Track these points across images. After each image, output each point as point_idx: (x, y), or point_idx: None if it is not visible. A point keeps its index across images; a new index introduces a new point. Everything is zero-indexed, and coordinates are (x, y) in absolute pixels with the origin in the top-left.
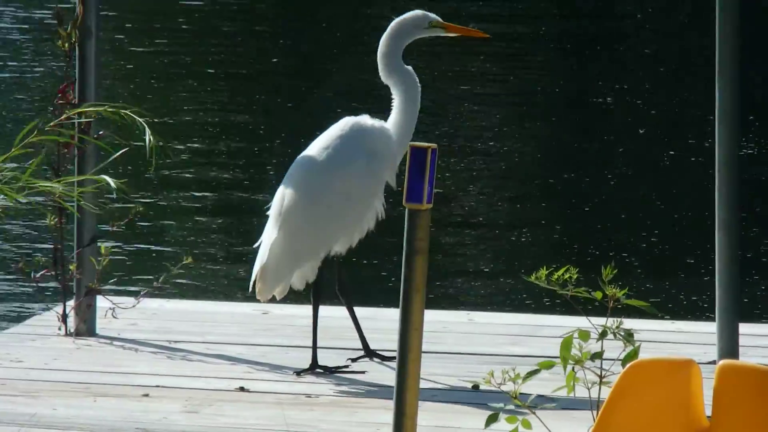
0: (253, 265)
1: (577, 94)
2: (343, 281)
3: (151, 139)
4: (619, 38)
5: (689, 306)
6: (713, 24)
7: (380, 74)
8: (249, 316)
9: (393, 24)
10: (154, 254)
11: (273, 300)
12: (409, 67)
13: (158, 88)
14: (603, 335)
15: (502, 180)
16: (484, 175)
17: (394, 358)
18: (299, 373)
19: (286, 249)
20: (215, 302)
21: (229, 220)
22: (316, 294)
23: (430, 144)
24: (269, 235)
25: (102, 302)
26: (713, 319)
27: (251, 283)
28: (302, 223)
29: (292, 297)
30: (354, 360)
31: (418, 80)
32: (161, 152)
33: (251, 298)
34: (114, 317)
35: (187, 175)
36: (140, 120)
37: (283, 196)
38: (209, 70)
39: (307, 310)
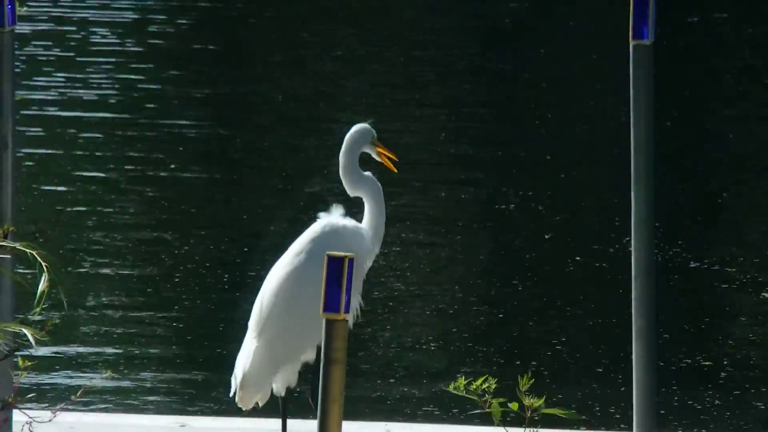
0: (233, 374)
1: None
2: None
3: (43, 283)
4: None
5: (608, 415)
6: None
7: (347, 189)
8: (166, 429)
9: (345, 139)
10: (72, 364)
11: (255, 407)
12: (369, 173)
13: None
14: None
15: (416, 284)
16: (403, 274)
17: None
18: None
19: (265, 356)
20: (133, 415)
21: (152, 327)
22: (285, 401)
23: (347, 254)
24: (249, 343)
25: (18, 416)
26: (630, 429)
27: (233, 391)
28: (280, 330)
29: (210, 410)
30: None
31: (378, 183)
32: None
33: (167, 409)
34: (30, 431)
35: (106, 276)
36: (44, 263)
37: (261, 303)
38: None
39: (223, 422)
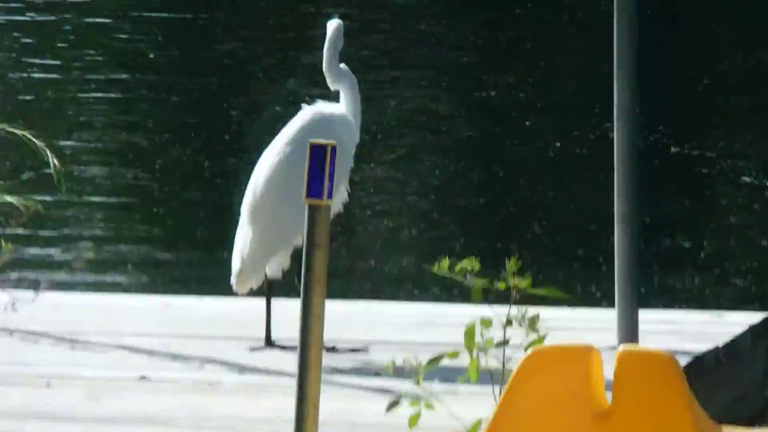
0: (229, 258)
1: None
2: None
3: (56, 163)
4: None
5: (590, 295)
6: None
7: (329, 82)
8: (150, 308)
9: (327, 36)
10: (55, 248)
11: (251, 292)
12: (345, 67)
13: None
14: (508, 323)
15: (409, 173)
16: (389, 164)
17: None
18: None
19: (260, 242)
20: (116, 295)
21: (135, 213)
22: (270, 285)
23: (329, 141)
24: (243, 231)
25: (1, 296)
26: (613, 306)
27: (232, 276)
28: (274, 217)
29: (193, 289)
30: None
31: (354, 76)
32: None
33: (151, 289)
34: (14, 310)
35: (92, 173)
36: (41, 144)
37: (254, 191)
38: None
39: (207, 301)
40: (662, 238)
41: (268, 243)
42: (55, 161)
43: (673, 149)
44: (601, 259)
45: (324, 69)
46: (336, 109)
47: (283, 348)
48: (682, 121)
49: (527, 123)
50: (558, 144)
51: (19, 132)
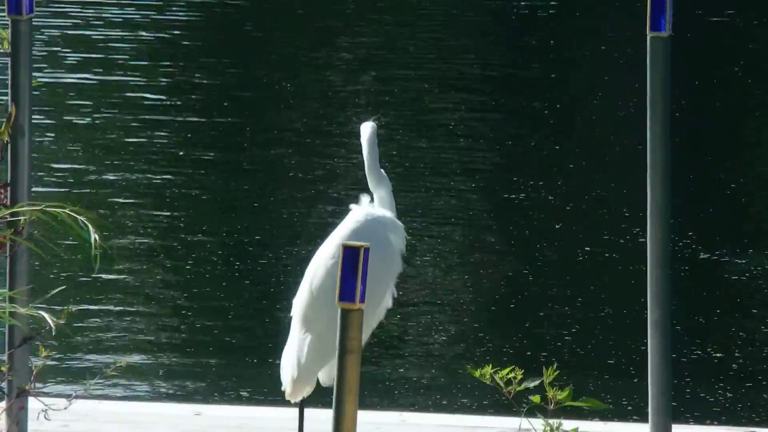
0: (279, 368)
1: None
2: None
3: (97, 238)
4: None
5: (622, 407)
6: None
7: (372, 185)
8: (182, 417)
9: (366, 138)
10: (87, 351)
11: (303, 401)
12: (383, 171)
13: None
14: None
15: (427, 276)
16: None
17: None
18: None
19: (316, 349)
20: (147, 402)
21: (165, 319)
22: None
23: (362, 243)
24: (297, 337)
25: (33, 403)
26: (646, 420)
27: (285, 383)
28: (327, 322)
29: (225, 398)
30: None
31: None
32: (104, 253)
33: (181, 397)
34: (46, 419)
35: (123, 275)
36: (82, 218)
37: (308, 296)
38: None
39: (237, 411)
40: (694, 348)
41: (324, 349)
42: (96, 236)
43: (702, 255)
44: (632, 370)
45: (367, 172)
46: (381, 211)
47: None
48: (710, 224)
49: (556, 226)
50: (587, 248)
51: (61, 211)
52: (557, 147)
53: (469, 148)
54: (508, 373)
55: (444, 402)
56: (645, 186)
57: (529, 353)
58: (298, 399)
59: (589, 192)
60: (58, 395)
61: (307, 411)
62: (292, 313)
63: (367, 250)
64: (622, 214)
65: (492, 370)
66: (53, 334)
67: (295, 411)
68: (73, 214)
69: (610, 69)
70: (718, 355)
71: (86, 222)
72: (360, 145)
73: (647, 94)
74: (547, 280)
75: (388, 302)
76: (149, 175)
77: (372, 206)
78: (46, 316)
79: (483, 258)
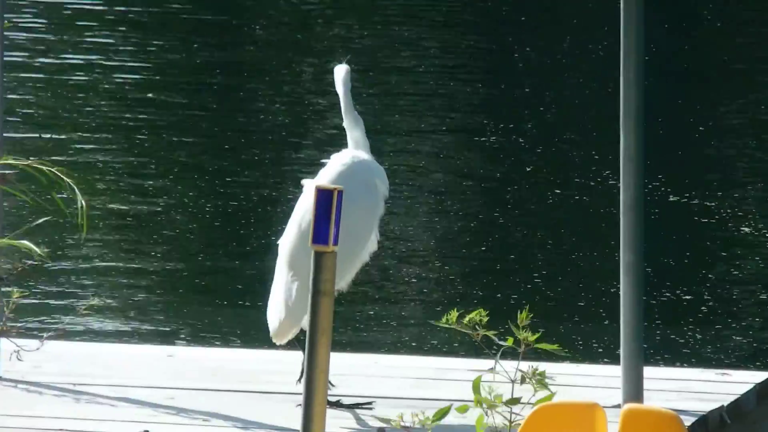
0: (265, 309)
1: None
2: None
3: (83, 203)
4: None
5: (593, 350)
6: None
7: (348, 126)
8: (155, 358)
9: (340, 80)
10: (59, 296)
11: (290, 343)
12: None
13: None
14: (522, 381)
15: (403, 229)
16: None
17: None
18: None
19: (300, 292)
20: (120, 344)
21: (140, 261)
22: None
23: (336, 186)
24: (284, 280)
25: (6, 345)
26: (618, 363)
27: (271, 326)
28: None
29: (198, 338)
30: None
31: None
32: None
33: (154, 338)
34: (19, 359)
35: (97, 212)
36: (69, 180)
37: (295, 237)
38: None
39: (212, 352)
40: (664, 291)
41: (306, 294)
42: (83, 202)
43: (672, 198)
44: (603, 313)
45: (343, 113)
46: (369, 156)
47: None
48: (680, 168)
49: (528, 168)
50: (558, 191)
51: (46, 168)
52: (527, 90)
53: (439, 94)
54: (474, 316)
55: (418, 346)
56: (617, 130)
57: (500, 296)
58: (284, 341)
59: (560, 135)
60: (32, 336)
61: (285, 352)
62: (279, 255)
63: (340, 192)
64: (592, 158)
65: (458, 315)
66: (38, 261)
67: (271, 353)
68: (59, 174)
69: (580, 12)
70: (688, 297)
71: (73, 185)
72: (335, 87)
73: (621, 42)
74: (517, 224)
75: (373, 245)
76: (113, 115)
77: (354, 150)
78: (29, 243)
79: (454, 202)
